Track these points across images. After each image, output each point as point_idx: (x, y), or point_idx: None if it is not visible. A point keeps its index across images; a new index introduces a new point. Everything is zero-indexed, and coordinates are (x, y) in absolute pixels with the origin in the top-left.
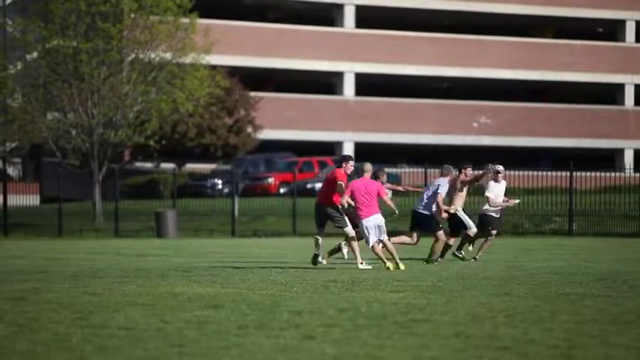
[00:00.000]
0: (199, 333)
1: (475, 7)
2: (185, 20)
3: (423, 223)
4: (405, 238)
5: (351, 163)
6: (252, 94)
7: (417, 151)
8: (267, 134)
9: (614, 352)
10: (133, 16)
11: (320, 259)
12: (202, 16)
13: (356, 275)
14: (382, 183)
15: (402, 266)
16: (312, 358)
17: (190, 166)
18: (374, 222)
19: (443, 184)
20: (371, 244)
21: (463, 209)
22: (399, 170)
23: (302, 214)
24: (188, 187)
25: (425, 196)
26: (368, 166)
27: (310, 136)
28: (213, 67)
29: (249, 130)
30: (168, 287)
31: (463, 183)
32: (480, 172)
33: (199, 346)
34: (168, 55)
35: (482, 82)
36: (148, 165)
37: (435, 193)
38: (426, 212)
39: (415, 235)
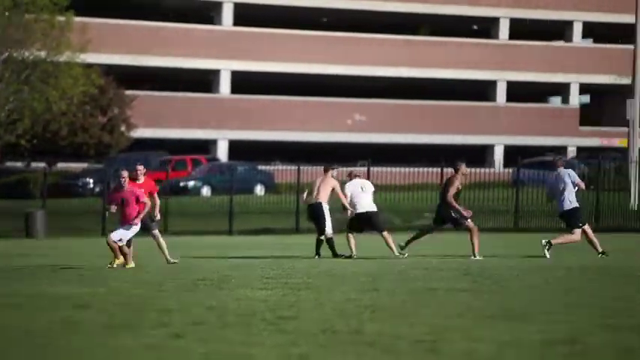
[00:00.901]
0: (66, 333)
1: (351, 4)
2: (61, 18)
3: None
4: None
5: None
6: (127, 92)
7: (291, 148)
8: (142, 133)
9: (479, 346)
10: (7, 14)
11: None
12: (78, 14)
13: (225, 273)
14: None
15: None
16: (181, 357)
17: (62, 165)
18: None
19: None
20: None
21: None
22: (272, 168)
23: (175, 212)
24: (59, 186)
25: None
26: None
27: (185, 134)
28: (89, 66)
29: (123, 128)
30: (35, 288)
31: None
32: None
33: (66, 347)
34: (42, 54)
35: (357, 79)
36: (19, 164)
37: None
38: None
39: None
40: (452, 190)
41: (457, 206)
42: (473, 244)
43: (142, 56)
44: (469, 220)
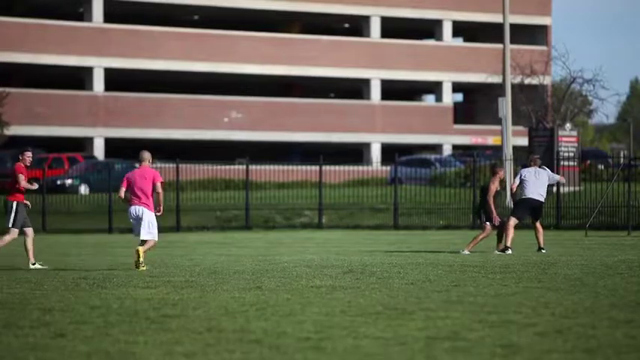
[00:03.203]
0: None
1: (224, 2)
2: None
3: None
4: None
5: None
6: None
7: (168, 146)
8: (15, 130)
9: (363, 343)
10: None
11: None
12: None
13: (107, 272)
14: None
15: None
16: (64, 357)
17: None
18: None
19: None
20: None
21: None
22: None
23: (53, 210)
24: None
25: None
26: (146, 155)
27: (60, 131)
28: None
29: None
30: None
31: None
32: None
33: None
34: None
35: (232, 77)
36: None
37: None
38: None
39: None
40: (492, 188)
41: (492, 208)
42: (474, 238)
43: (11, 53)
44: (488, 224)
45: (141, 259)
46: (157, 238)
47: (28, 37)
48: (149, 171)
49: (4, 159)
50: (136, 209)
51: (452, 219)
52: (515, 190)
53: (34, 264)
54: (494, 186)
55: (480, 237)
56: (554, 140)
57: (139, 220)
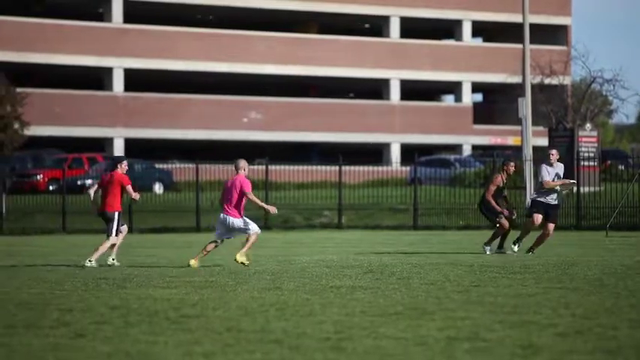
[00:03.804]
0: None
1: (242, 2)
2: None
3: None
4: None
5: None
6: (19, 89)
7: (187, 146)
8: (35, 130)
9: (383, 343)
10: None
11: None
12: None
13: (127, 272)
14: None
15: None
16: (84, 357)
17: None
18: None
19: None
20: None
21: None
22: (170, 166)
23: (72, 211)
24: None
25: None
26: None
27: (79, 132)
28: None
29: (17, 126)
30: None
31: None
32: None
33: None
34: None
35: (251, 77)
36: None
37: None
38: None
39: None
40: (491, 188)
41: (493, 204)
42: (492, 235)
43: (31, 53)
44: (502, 218)
45: (245, 262)
46: (258, 230)
47: (47, 38)
48: (238, 180)
49: (24, 159)
50: (220, 217)
51: (471, 219)
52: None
53: (113, 260)
54: (494, 185)
55: (498, 231)
56: (575, 140)
57: (223, 225)
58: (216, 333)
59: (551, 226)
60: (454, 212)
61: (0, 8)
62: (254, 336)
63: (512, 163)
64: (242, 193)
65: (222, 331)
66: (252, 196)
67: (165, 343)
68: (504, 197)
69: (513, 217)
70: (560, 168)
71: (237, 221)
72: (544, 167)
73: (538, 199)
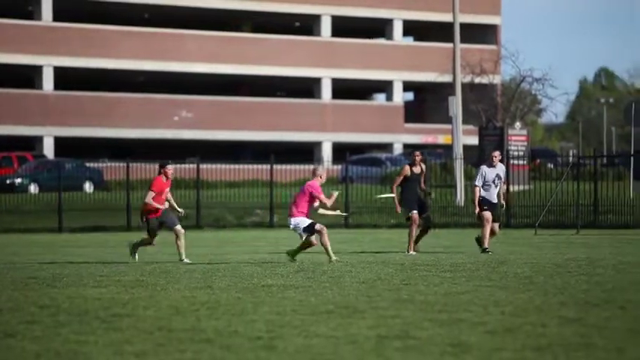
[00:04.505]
0: None
1: (175, 1)
2: None
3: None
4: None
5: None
6: None
7: (119, 145)
8: None
9: (314, 342)
10: None
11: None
12: None
13: (56, 271)
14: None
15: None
16: (13, 357)
17: None
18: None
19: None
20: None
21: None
22: (101, 165)
23: (2, 210)
24: None
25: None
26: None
27: (9, 130)
28: None
29: None
30: None
31: None
32: None
33: None
34: None
35: (182, 76)
36: None
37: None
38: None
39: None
40: (397, 178)
41: (396, 193)
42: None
43: None
44: (414, 212)
45: (332, 258)
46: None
47: None
48: (308, 185)
49: None
50: (290, 221)
51: (402, 217)
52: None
53: (182, 259)
54: (400, 176)
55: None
56: (504, 139)
57: (296, 229)
58: (147, 332)
59: (495, 225)
60: (385, 211)
61: None
62: (185, 335)
63: (417, 152)
64: (312, 197)
65: (153, 330)
66: (323, 198)
67: (96, 342)
68: (423, 190)
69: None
70: (500, 169)
71: (299, 220)
72: (481, 168)
73: (482, 194)
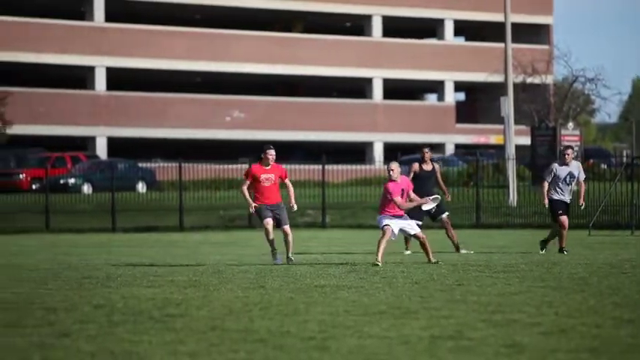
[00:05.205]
0: None
1: (226, 1)
2: None
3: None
4: None
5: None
6: (0, 88)
7: (171, 146)
8: (17, 129)
9: (367, 342)
10: None
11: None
12: None
13: (110, 271)
14: None
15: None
16: (68, 356)
17: None
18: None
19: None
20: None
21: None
22: (153, 165)
23: (55, 210)
24: None
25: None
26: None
27: (62, 131)
28: None
29: None
30: None
31: None
32: None
33: None
34: None
35: (235, 76)
36: None
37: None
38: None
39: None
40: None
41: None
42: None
43: (13, 52)
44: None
45: (432, 258)
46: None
47: (30, 37)
48: (384, 187)
49: (7, 158)
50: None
51: (455, 218)
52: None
53: (289, 258)
54: (409, 173)
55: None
56: (557, 139)
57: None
58: (201, 332)
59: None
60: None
61: None
62: (238, 335)
63: (425, 149)
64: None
65: (206, 330)
66: (398, 200)
67: (150, 342)
68: (442, 189)
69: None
70: (575, 167)
71: (404, 219)
72: (552, 165)
73: (554, 197)
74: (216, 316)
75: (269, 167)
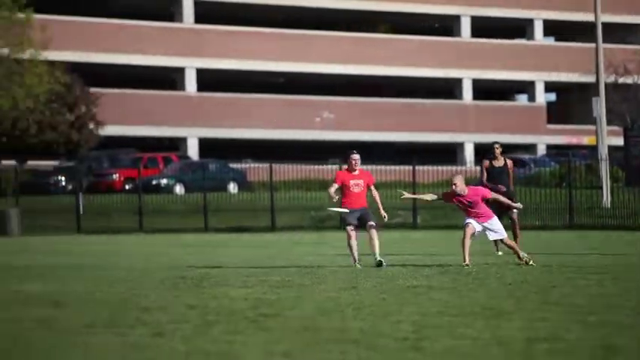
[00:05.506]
0: (43, 332)
1: (314, 2)
2: (21, 15)
3: None
4: None
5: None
6: (93, 90)
7: (261, 146)
8: (110, 130)
9: (461, 343)
10: None
11: None
12: (38, 11)
13: (204, 271)
14: None
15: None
16: (163, 356)
17: (32, 163)
18: None
19: None
20: None
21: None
22: (244, 166)
23: (147, 210)
24: (31, 184)
25: None
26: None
27: (154, 131)
28: (52, 63)
29: (92, 126)
30: (7, 285)
31: None
32: None
33: (43, 346)
34: (5, 51)
35: (324, 77)
36: None
37: None
38: None
39: None
40: (482, 174)
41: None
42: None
43: (104, 54)
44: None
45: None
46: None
47: (120, 38)
48: (469, 194)
49: (100, 159)
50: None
51: (547, 219)
52: None
53: (378, 260)
54: (482, 170)
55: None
56: None
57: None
58: (294, 332)
59: None
60: (529, 212)
61: (75, 9)
62: (331, 335)
63: (496, 145)
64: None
65: (299, 330)
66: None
67: (245, 342)
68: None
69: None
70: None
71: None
72: None
73: None
74: (309, 316)
75: (357, 173)
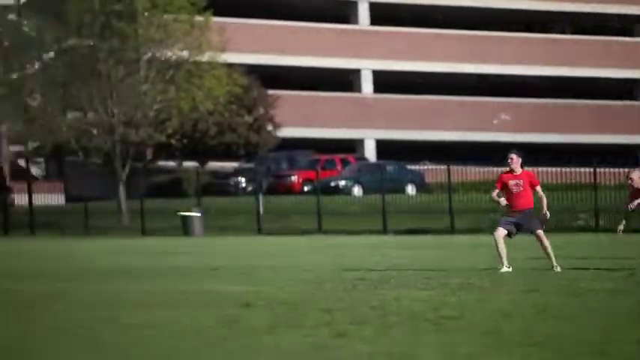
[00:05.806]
0: (232, 332)
1: (495, 3)
2: (200, 18)
3: None
4: None
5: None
6: (270, 92)
7: (438, 148)
8: (286, 132)
9: None
10: (146, 14)
11: None
12: (216, 14)
13: (384, 273)
14: None
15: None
16: (346, 357)
17: (212, 165)
18: None
19: None
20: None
21: None
22: (422, 167)
23: (326, 212)
24: (212, 185)
25: None
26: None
27: (330, 133)
28: (230, 66)
29: (270, 128)
30: (197, 285)
31: None
32: None
33: (233, 345)
34: (185, 54)
35: (502, 78)
36: (171, 164)
37: None
38: None
39: None
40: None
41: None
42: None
43: (281, 56)
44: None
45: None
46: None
47: (296, 40)
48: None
49: (279, 160)
50: None
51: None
52: None
53: (555, 267)
54: None
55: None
56: None
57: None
58: (477, 335)
59: None
60: None
61: (253, 13)
62: (514, 338)
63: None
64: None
65: (482, 332)
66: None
67: (427, 344)
68: None
69: None
70: None
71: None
72: None
73: None
74: (491, 319)
75: (517, 173)
